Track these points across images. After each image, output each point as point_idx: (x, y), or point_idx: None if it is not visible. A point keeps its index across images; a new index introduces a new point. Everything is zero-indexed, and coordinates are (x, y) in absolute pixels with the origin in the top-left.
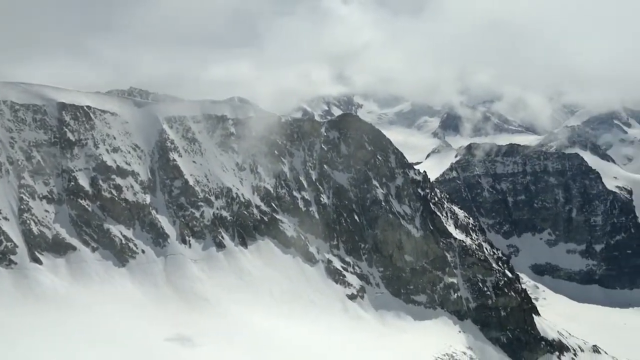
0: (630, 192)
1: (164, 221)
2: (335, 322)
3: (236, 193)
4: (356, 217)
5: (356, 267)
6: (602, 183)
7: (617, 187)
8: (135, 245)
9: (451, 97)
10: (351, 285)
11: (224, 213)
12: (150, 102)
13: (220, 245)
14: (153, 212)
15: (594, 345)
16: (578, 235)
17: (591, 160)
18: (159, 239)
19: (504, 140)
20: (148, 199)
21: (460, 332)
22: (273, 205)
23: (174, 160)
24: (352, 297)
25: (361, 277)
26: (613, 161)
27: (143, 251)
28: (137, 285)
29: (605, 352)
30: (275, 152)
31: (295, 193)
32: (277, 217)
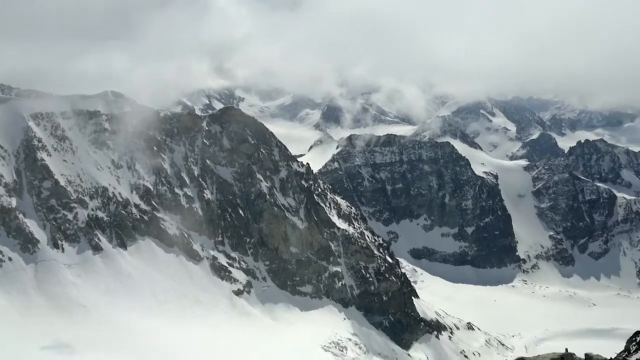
0: (496, 177)
1: (32, 225)
2: (222, 320)
3: (113, 192)
4: (241, 212)
5: (242, 262)
6: (471, 169)
7: (485, 172)
8: (0, 253)
9: (331, 89)
10: (237, 280)
11: (100, 214)
12: (14, 98)
13: (97, 248)
14: (20, 216)
15: (468, 323)
16: (451, 219)
17: (461, 148)
18: (27, 244)
19: (382, 130)
20: (14, 202)
21: (345, 319)
22: (153, 203)
23: (42, 159)
24: (238, 293)
25: (247, 272)
26: (480, 148)
27: (10, 259)
28: (4, 295)
29: (479, 328)
30: (154, 147)
31: (177, 190)
32: (158, 215)
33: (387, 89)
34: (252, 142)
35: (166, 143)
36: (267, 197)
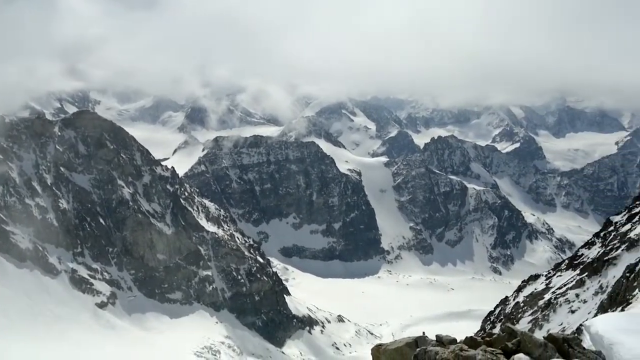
0: (359, 174)
1: None
2: (85, 335)
3: None
4: (102, 221)
5: (105, 273)
6: (336, 167)
7: (349, 170)
8: None
9: (194, 90)
10: (100, 292)
11: None
12: None
13: None
14: None
15: (339, 315)
16: (319, 216)
17: (325, 147)
18: None
19: (248, 132)
20: None
21: (217, 322)
22: (1, 215)
23: None
24: (102, 305)
25: (111, 282)
26: (344, 147)
27: None
28: None
29: (349, 320)
30: (0, 155)
31: (27, 200)
32: (7, 228)
33: (252, 90)
34: (111, 147)
35: (13, 150)
36: (130, 203)
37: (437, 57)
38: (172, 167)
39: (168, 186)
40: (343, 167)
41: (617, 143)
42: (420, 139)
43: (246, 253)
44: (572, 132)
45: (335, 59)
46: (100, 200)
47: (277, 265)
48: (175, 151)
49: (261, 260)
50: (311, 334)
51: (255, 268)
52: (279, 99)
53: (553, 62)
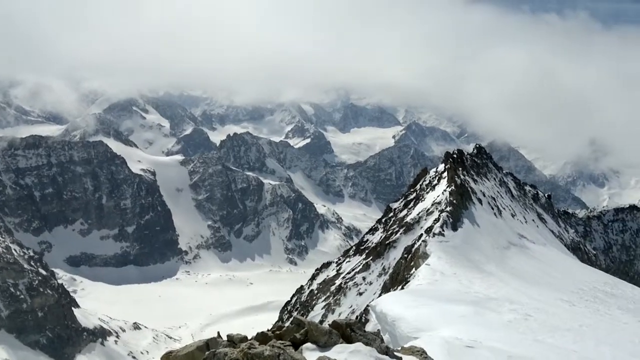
0: (153, 174)
1: None
2: None
3: None
4: None
5: None
6: (128, 167)
7: (142, 170)
8: None
9: None
10: None
11: None
12: None
13: None
14: None
15: (135, 323)
16: (110, 220)
17: (115, 146)
18: None
19: (24, 131)
20: None
21: None
22: None
23: None
24: None
25: None
26: (136, 146)
27: None
28: None
29: (146, 327)
30: None
31: None
32: None
33: (29, 85)
34: None
35: None
36: None
37: (227, 52)
38: None
39: None
40: (135, 167)
41: (394, 136)
42: (216, 137)
43: (25, 266)
44: (356, 127)
45: (122, 53)
46: None
47: (63, 276)
48: None
49: (44, 272)
50: (104, 345)
51: (37, 282)
52: (61, 95)
53: (336, 61)
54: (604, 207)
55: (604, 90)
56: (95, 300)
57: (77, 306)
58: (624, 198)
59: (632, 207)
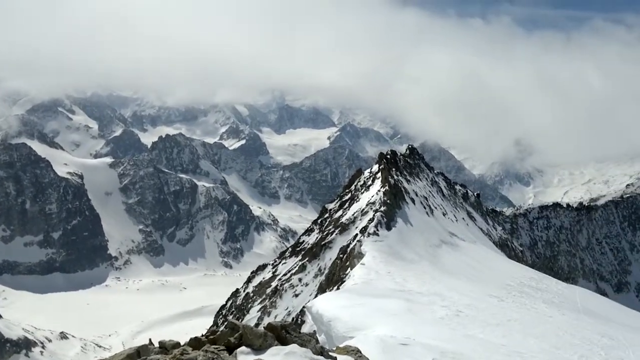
0: (81, 177)
1: None
2: None
3: None
4: None
5: None
6: (54, 171)
7: (69, 173)
8: None
9: None
10: None
11: None
12: None
13: None
14: None
15: (62, 332)
16: (34, 226)
17: (40, 149)
18: None
19: None
20: None
21: None
22: None
23: None
24: None
25: None
26: (62, 148)
27: None
28: None
29: (73, 336)
30: None
31: None
32: None
33: None
34: None
35: None
36: None
37: (158, 52)
38: None
39: None
40: (61, 171)
41: (329, 138)
42: (148, 138)
43: None
44: (292, 128)
45: (45, 52)
46: None
47: None
48: None
49: None
50: (29, 356)
51: None
52: None
53: (271, 62)
54: (529, 205)
55: (527, 92)
56: (19, 310)
57: (0, 317)
58: (547, 196)
59: (556, 205)
